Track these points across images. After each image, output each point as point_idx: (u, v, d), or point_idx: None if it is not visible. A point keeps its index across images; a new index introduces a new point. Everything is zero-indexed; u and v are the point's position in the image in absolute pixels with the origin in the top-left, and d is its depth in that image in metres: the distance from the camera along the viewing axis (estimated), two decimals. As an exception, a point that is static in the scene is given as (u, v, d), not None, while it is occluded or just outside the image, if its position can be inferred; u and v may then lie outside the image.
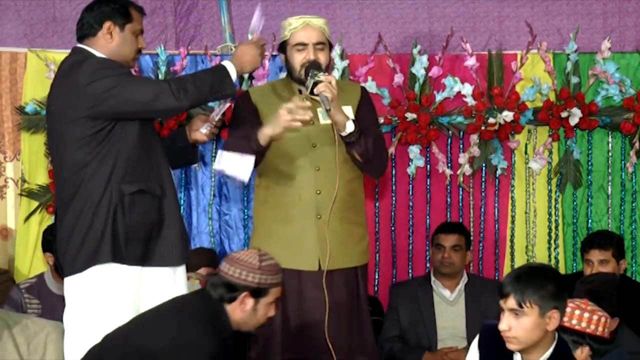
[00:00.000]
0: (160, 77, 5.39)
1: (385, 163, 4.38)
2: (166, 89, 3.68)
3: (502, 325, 3.36)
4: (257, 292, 3.49)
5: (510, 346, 3.37)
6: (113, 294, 3.69)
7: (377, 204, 5.52)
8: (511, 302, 3.34)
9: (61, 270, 3.85)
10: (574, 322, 3.55)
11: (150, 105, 3.69)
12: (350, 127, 4.02)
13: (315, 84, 3.97)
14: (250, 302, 3.49)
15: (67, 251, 3.76)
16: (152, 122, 3.91)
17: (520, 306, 3.33)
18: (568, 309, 3.55)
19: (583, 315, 3.55)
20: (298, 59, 4.09)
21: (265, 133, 3.98)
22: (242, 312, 3.49)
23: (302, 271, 4.10)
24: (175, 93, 3.67)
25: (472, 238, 5.37)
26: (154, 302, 3.76)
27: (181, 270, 3.89)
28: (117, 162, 3.72)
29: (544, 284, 3.34)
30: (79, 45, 3.84)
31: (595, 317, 3.57)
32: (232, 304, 3.49)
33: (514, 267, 5.47)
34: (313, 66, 4.04)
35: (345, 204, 4.12)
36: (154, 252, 3.77)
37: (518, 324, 3.34)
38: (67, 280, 3.79)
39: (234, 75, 3.83)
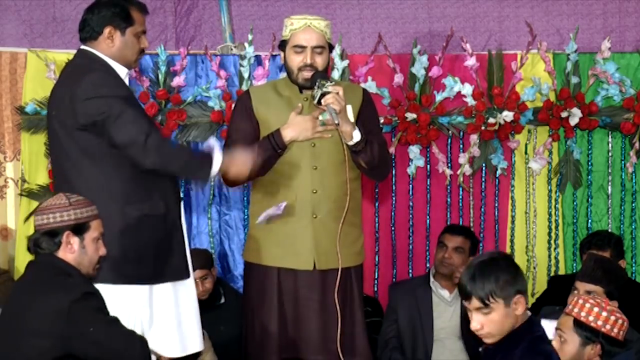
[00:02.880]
0: (160, 77, 5.39)
1: (389, 168, 4.41)
2: (141, 142, 3.63)
3: (474, 325, 3.32)
4: (79, 228, 3.44)
5: (487, 341, 3.35)
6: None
7: (377, 204, 5.52)
8: (475, 303, 3.31)
9: None
10: (591, 318, 3.52)
11: (121, 147, 3.66)
12: (357, 137, 4.03)
13: (323, 94, 3.97)
14: (75, 240, 3.43)
15: None
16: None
17: (485, 304, 3.30)
18: (587, 305, 3.53)
19: (601, 314, 3.52)
20: (296, 61, 4.08)
21: (289, 137, 4.04)
22: (71, 253, 3.43)
23: (298, 271, 4.09)
24: (146, 149, 3.63)
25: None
26: (166, 318, 3.80)
27: (190, 282, 3.91)
28: (119, 180, 3.71)
29: (499, 274, 3.31)
30: (83, 47, 3.85)
31: (612, 318, 3.53)
32: (60, 251, 3.43)
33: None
34: (320, 75, 4.03)
35: (342, 204, 4.11)
36: (163, 269, 3.78)
37: (488, 320, 3.31)
38: None
39: (216, 168, 3.75)
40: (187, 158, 3.78)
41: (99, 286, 3.63)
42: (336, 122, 3.95)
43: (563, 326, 3.59)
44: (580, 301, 3.57)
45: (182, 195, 5.40)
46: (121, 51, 3.82)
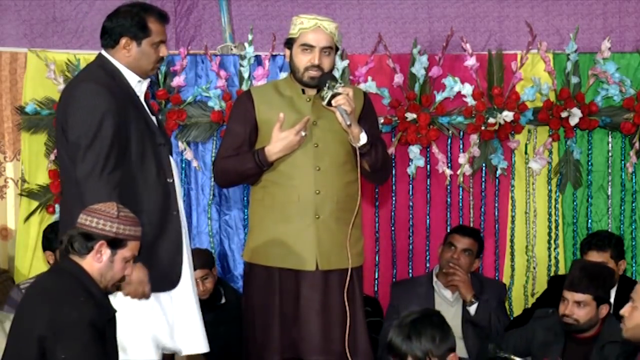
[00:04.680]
0: (160, 77, 5.39)
1: (389, 172, 4.42)
2: (95, 177, 3.60)
3: None
4: (114, 243, 3.42)
5: None
6: None
7: (377, 204, 5.52)
8: None
9: None
10: None
11: (79, 173, 3.62)
12: (363, 139, 4.04)
13: (333, 95, 3.97)
14: (107, 252, 3.41)
15: None
16: (150, 143, 3.82)
17: None
18: None
19: None
20: (303, 60, 4.07)
21: (276, 157, 4.04)
22: (98, 262, 3.40)
23: (300, 271, 4.09)
24: (98, 180, 3.59)
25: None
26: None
27: (179, 290, 3.86)
28: None
29: (434, 333, 3.32)
30: (102, 52, 3.86)
31: None
32: (88, 256, 3.41)
33: (514, 267, 5.48)
34: (329, 77, 4.04)
35: (344, 205, 4.11)
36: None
37: None
38: None
39: None
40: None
41: None
42: (347, 123, 3.96)
43: (637, 293, 3.57)
44: None
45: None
46: (137, 61, 3.82)
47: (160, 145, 3.85)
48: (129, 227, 3.44)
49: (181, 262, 3.86)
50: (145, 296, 3.70)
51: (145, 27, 3.81)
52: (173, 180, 3.87)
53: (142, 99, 3.88)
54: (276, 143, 4.03)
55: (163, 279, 3.78)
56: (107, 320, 3.41)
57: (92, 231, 3.40)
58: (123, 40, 3.79)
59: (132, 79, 3.83)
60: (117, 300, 3.66)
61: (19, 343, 3.34)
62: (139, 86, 3.86)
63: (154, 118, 3.92)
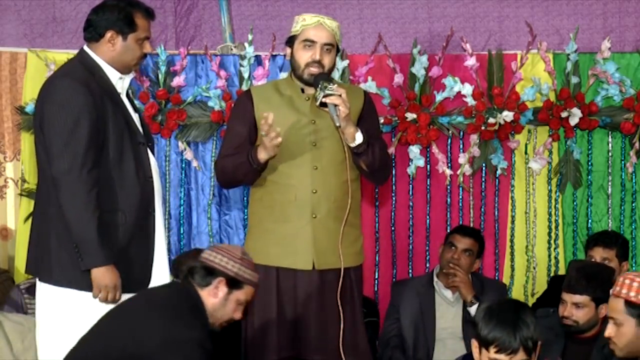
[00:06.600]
0: (160, 77, 5.39)
1: (389, 171, 4.40)
2: (74, 175, 3.58)
3: None
4: (233, 282, 3.52)
5: None
6: (76, 320, 3.65)
7: (377, 204, 5.52)
8: (521, 355, 3.32)
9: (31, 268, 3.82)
10: None
11: (55, 171, 3.61)
12: (359, 139, 4.03)
13: (325, 96, 3.95)
14: (224, 289, 3.51)
15: (42, 254, 3.73)
16: (130, 140, 3.79)
17: (530, 355, 3.33)
18: (635, 284, 3.46)
19: None
20: (304, 56, 4.06)
21: (263, 158, 3.99)
22: (214, 297, 3.49)
23: (297, 270, 4.09)
24: (77, 178, 3.58)
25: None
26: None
27: None
28: None
29: (531, 319, 3.36)
30: (84, 47, 3.84)
31: None
32: (205, 290, 3.51)
33: (514, 267, 5.47)
34: (323, 77, 4.01)
35: (342, 204, 4.10)
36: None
37: None
38: (40, 285, 3.75)
39: (90, 263, 3.61)
40: (85, 222, 3.60)
41: (52, 288, 3.64)
42: (337, 124, 3.95)
43: (614, 310, 3.52)
44: (627, 281, 3.48)
45: (181, 195, 5.46)
46: (121, 56, 3.80)
47: (140, 144, 3.82)
48: (249, 271, 3.56)
49: (151, 263, 3.84)
50: (115, 301, 3.67)
51: (132, 22, 3.78)
52: (152, 179, 3.84)
53: (123, 95, 3.85)
54: (262, 144, 4.00)
55: (132, 280, 3.74)
56: (211, 350, 3.44)
57: (214, 266, 3.51)
58: (108, 34, 3.77)
59: (113, 75, 3.80)
60: (73, 296, 3.65)
61: (114, 342, 3.33)
62: (120, 83, 3.84)
63: (136, 116, 3.89)
